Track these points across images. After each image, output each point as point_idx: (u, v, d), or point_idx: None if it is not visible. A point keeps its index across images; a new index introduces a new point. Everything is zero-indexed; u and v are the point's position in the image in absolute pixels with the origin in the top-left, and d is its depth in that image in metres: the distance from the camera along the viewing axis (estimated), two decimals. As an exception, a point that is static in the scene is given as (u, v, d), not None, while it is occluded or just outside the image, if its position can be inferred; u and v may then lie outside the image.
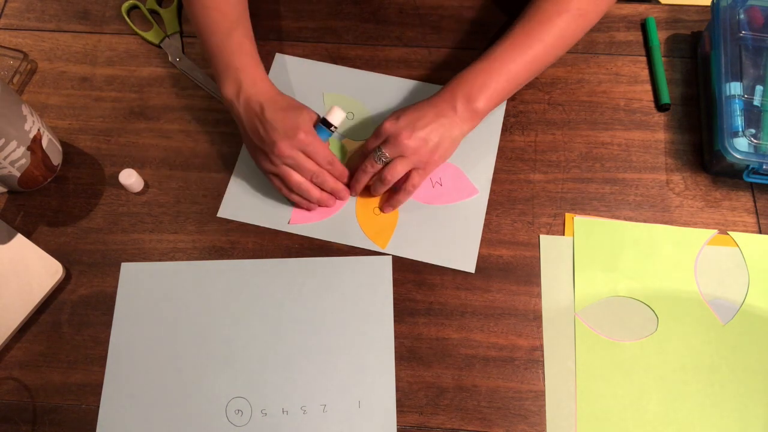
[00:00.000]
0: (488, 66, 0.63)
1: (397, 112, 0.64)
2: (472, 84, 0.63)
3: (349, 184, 0.67)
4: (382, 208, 0.67)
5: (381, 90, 0.73)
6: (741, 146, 0.63)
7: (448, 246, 0.65)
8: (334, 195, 0.66)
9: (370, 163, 0.64)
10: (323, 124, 0.65)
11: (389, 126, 0.63)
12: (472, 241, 0.66)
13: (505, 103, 0.72)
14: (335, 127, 0.65)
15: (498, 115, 0.71)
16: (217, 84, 0.65)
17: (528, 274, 0.65)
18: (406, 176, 0.64)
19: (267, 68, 0.74)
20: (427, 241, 0.66)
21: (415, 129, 0.62)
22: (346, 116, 0.71)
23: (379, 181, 0.64)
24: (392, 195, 0.66)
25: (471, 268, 0.65)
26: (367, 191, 0.67)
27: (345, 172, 0.66)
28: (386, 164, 0.63)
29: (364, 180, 0.65)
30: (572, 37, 0.66)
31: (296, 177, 0.63)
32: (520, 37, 0.64)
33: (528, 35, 0.64)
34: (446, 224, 0.66)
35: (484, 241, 0.66)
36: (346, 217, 0.67)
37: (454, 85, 0.64)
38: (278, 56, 0.75)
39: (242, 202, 0.68)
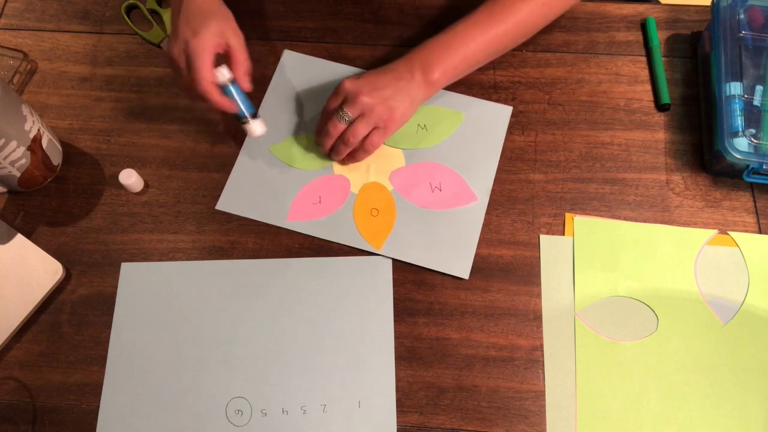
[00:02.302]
0: (448, 40, 0.65)
1: (358, 74, 0.65)
2: (429, 55, 0.65)
3: (319, 144, 0.68)
4: (342, 162, 0.69)
5: None
6: (741, 146, 0.63)
7: (443, 251, 0.65)
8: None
9: (332, 125, 0.64)
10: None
11: (349, 84, 0.64)
12: (467, 247, 0.65)
13: (509, 112, 0.72)
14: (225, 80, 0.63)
15: (502, 124, 0.71)
16: None
17: (528, 274, 0.65)
18: (367, 135, 0.65)
19: (272, 68, 0.75)
20: (422, 244, 0.66)
21: (376, 88, 0.63)
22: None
23: (341, 143, 0.65)
24: (351, 153, 0.67)
25: (465, 274, 0.64)
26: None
27: (218, 101, 0.62)
28: (349, 125, 0.64)
29: (329, 143, 0.66)
30: (533, 25, 0.68)
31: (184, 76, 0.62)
32: (483, 17, 0.65)
33: (491, 16, 0.65)
34: (443, 229, 0.66)
35: (485, 241, 0.66)
36: (343, 216, 0.67)
37: (413, 54, 0.65)
38: (287, 53, 0.76)
39: (241, 197, 0.68)
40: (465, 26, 0.65)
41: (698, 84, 0.73)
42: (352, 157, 0.67)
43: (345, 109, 0.64)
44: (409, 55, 0.66)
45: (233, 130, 0.72)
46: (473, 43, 0.65)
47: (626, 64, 0.74)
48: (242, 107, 0.64)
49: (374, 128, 0.65)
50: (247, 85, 0.64)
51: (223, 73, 0.62)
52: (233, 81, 0.63)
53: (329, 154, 0.68)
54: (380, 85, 0.63)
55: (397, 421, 0.60)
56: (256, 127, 0.65)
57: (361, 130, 0.64)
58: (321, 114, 0.68)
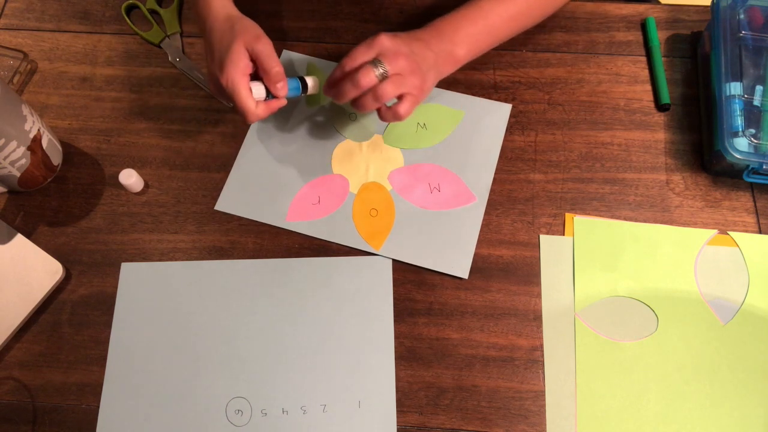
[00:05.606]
0: (473, 15, 0.64)
1: (391, 34, 0.61)
2: (457, 31, 0.63)
3: (334, 93, 0.61)
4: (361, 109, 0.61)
5: None
6: (741, 146, 0.63)
7: (442, 251, 0.65)
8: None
9: (364, 75, 0.57)
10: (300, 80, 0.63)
11: (387, 41, 0.59)
12: (467, 246, 0.65)
13: (508, 110, 0.72)
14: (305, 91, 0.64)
15: (501, 122, 0.71)
16: None
17: (528, 274, 0.65)
18: (398, 102, 0.60)
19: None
20: (421, 245, 0.66)
21: (414, 53, 0.60)
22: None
23: (372, 97, 0.58)
24: (378, 114, 0.62)
25: (464, 273, 0.64)
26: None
27: (269, 112, 0.62)
28: (381, 80, 0.58)
29: (353, 94, 0.59)
30: (549, 6, 0.69)
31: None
32: None
33: None
34: (442, 229, 0.66)
35: (485, 241, 0.66)
36: (342, 217, 0.67)
37: (441, 26, 0.63)
38: (285, 53, 0.76)
39: (240, 197, 0.68)
40: (487, 1, 0.65)
41: (698, 84, 0.72)
42: (380, 118, 0.62)
43: (383, 62, 0.58)
44: (438, 27, 0.63)
45: (233, 130, 0.72)
46: (497, 18, 0.64)
47: (626, 64, 0.74)
48: (292, 93, 0.62)
49: (407, 93, 0.59)
50: (279, 93, 0.61)
51: (260, 94, 0.61)
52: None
53: (355, 105, 0.60)
54: (417, 53, 0.60)
55: (397, 421, 0.60)
56: (312, 88, 0.64)
57: (391, 91, 0.58)
58: (341, 64, 0.60)
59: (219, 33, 0.61)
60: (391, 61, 0.58)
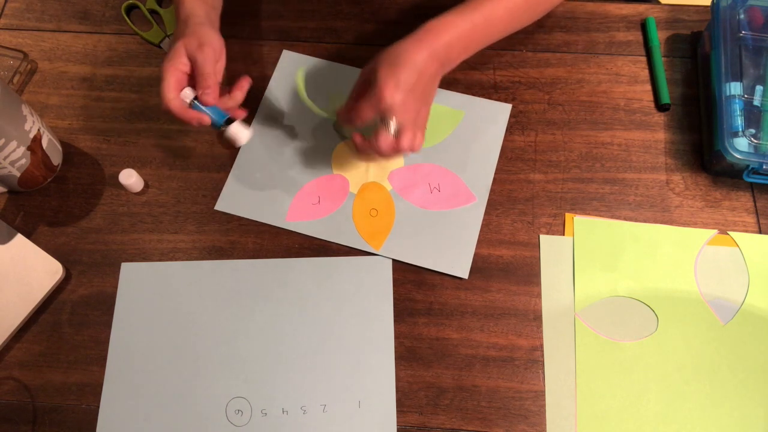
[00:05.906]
0: (467, 11, 0.63)
1: (392, 76, 0.59)
2: (450, 27, 0.62)
3: (359, 150, 0.64)
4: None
5: None
6: (741, 146, 0.63)
7: (442, 251, 0.65)
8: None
9: (383, 141, 0.59)
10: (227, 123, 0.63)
11: (390, 97, 0.59)
12: (467, 246, 0.66)
13: (508, 110, 0.72)
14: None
15: (501, 123, 0.71)
16: None
17: (528, 274, 0.65)
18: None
19: (272, 68, 0.75)
20: (421, 244, 0.66)
21: (415, 93, 0.60)
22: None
23: (393, 151, 0.61)
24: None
25: (464, 273, 0.64)
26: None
27: (183, 117, 0.61)
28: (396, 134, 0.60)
29: (372, 152, 0.62)
30: (544, 4, 0.69)
31: None
32: None
33: None
34: (442, 229, 0.66)
35: (485, 241, 0.66)
36: (342, 217, 0.67)
37: (435, 29, 0.62)
38: (285, 53, 0.76)
39: (240, 197, 0.68)
40: (475, 3, 0.64)
41: (698, 84, 0.73)
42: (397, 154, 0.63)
43: (395, 121, 0.59)
44: (433, 28, 0.62)
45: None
46: (493, 15, 0.64)
47: (626, 64, 0.74)
48: (212, 118, 0.62)
49: (418, 129, 0.61)
50: (208, 99, 0.60)
51: (186, 94, 0.61)
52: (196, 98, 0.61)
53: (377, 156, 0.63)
54: (419, 93, 0.60)
55: (397, 421, 0.60)
56: (235, 132, 0.63)
57: (409, 140, 0.60)
58: (351, 120, 0.62)
59: (175, 36, 0.64)
60: (400, 114, 0.59)
